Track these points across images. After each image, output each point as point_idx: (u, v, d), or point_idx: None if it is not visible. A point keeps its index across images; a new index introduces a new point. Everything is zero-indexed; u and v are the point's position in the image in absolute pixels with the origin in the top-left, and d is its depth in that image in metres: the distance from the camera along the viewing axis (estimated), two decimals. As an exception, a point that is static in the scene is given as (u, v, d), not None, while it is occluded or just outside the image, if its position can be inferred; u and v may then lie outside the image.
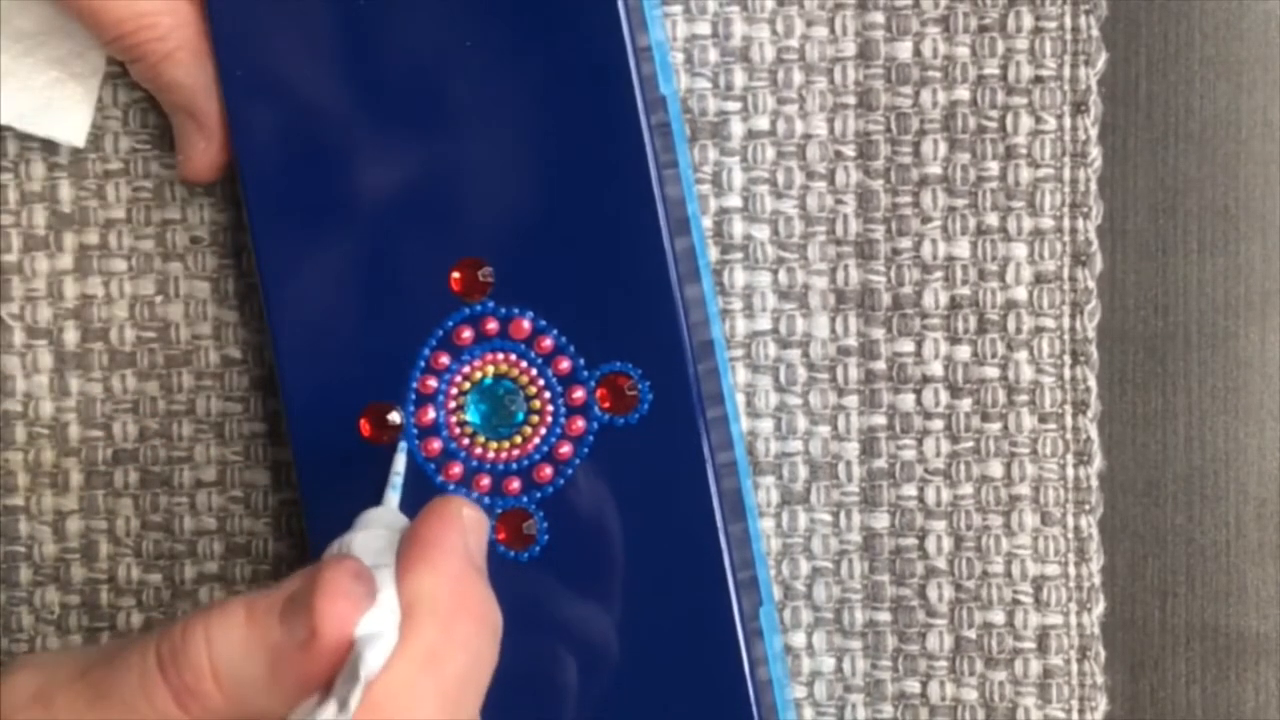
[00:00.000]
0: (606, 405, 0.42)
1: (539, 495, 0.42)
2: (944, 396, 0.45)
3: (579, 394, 0.42)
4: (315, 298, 0.42)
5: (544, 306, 0.42)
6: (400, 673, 0.34)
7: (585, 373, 0.42)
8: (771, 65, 0.45)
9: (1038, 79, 0.44)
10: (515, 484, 0.42)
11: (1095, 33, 0.44)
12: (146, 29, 0.42)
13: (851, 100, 0.45)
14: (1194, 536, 0.46)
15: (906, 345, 0.45)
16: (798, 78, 0.45)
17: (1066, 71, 0.44)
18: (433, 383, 0.42)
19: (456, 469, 0.42)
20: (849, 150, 0.45)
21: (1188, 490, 0.46)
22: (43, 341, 0.45)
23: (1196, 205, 0.45)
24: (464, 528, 0.37)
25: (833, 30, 0.45)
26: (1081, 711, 0.45)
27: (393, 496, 0.40)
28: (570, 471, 0.42)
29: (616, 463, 0.42)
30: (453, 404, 0.42)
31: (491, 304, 0.42)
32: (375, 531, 0.38)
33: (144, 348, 0.45)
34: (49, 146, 0.45)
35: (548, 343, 0.42)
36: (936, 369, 0.45)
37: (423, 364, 0.42)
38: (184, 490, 0.45)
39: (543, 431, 0.42)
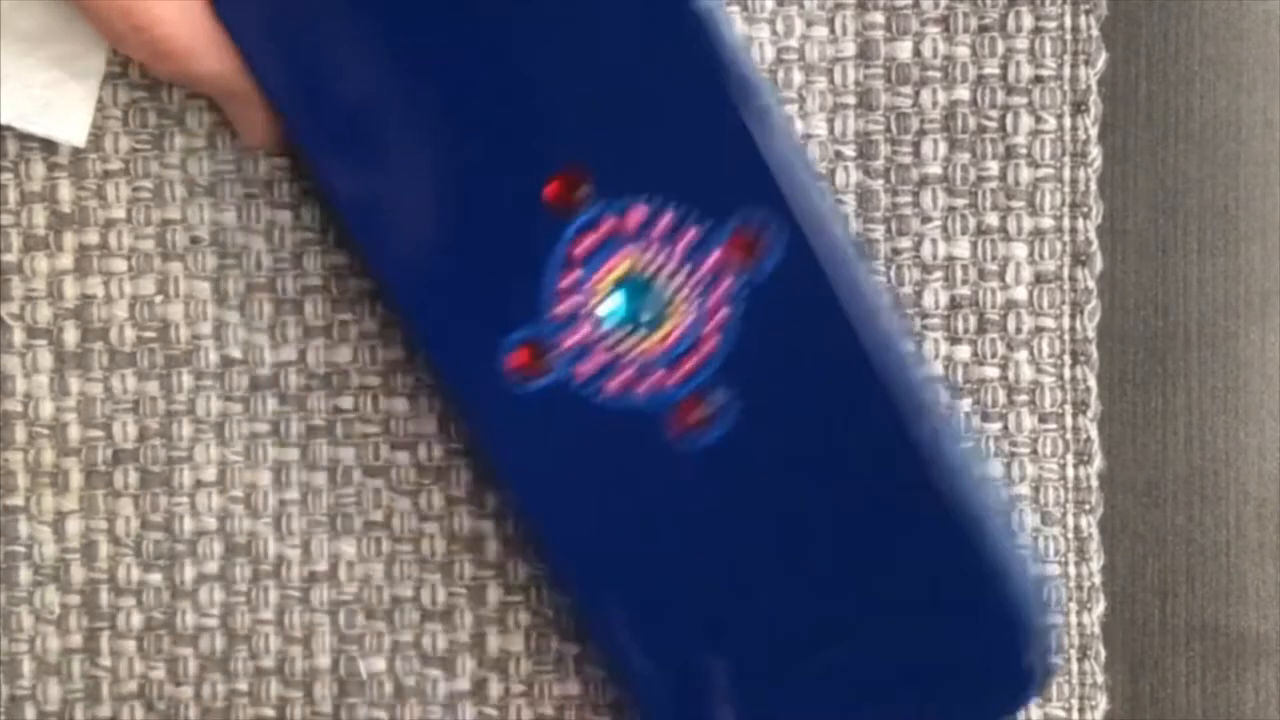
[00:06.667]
0: (740, 258, 0.41)
1: (710, 371, 0.42)
2: (944, 397, 0.44)
3: (712, 258, 0.41)
4: (424, 248, 0.42)
5: (649, 190, 0.41)
6: None
7: (712, 235, 0.41)
8: (771, 65, 0.45)
9: (1038, 79, 0.44)
10: (686, 366, 0.42)
11: (1095, 32, 0.44)
12: (158, 26, 0.42)
13: (851, 100, 0.45)
14: (1194, 536, 0.46)
15: (907, 345, 0.45)
16: (798, 78, 0.45)
17: (1066, 71, 0.44)
18: (565, 306, 0.41)
19: (626, 373, 0.42)
20: (849, 150, 0.45)
21: (1188, 490, 0.46)
22: (42, 341, 0.45)
23: (1196, 205, 0.45)
24: None
25: (832, 30, 0.45)
26: (1081, 710, 0.45)
27: None
28: (731, 337, 0.41)
29: (771, 319, 0.41)
30: (593, 317, 0.42)
31: (596, 208, 0.41)
32: None
33: (144, 348, 0.45)
34: (49, 146, 0.45)
35: (665, 221, 0.41)
36: (936, 369, 0.45)
37: (552, 290, 0.42)
38: (184, 490, 0.45)
39: (692, 310, 0.41)
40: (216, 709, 0.45)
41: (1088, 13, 0.44)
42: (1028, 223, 0.44)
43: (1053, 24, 0.44)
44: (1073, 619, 0.45)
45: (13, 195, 0.45)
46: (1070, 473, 0.45)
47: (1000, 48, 0.44)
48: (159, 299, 0.45)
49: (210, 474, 0.45)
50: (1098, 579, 0.45)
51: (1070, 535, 0.45)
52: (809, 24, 0.45)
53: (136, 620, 0.45)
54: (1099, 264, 0.45)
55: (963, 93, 0.44)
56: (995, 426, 0.45)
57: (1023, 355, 0.44)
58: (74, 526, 0.45)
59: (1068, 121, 0.44)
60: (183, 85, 0.43)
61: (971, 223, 0.44)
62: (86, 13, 0.42)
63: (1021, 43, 0.44)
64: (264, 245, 0.45)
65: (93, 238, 0.45)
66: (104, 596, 0.45)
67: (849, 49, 0.45)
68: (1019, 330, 0.44)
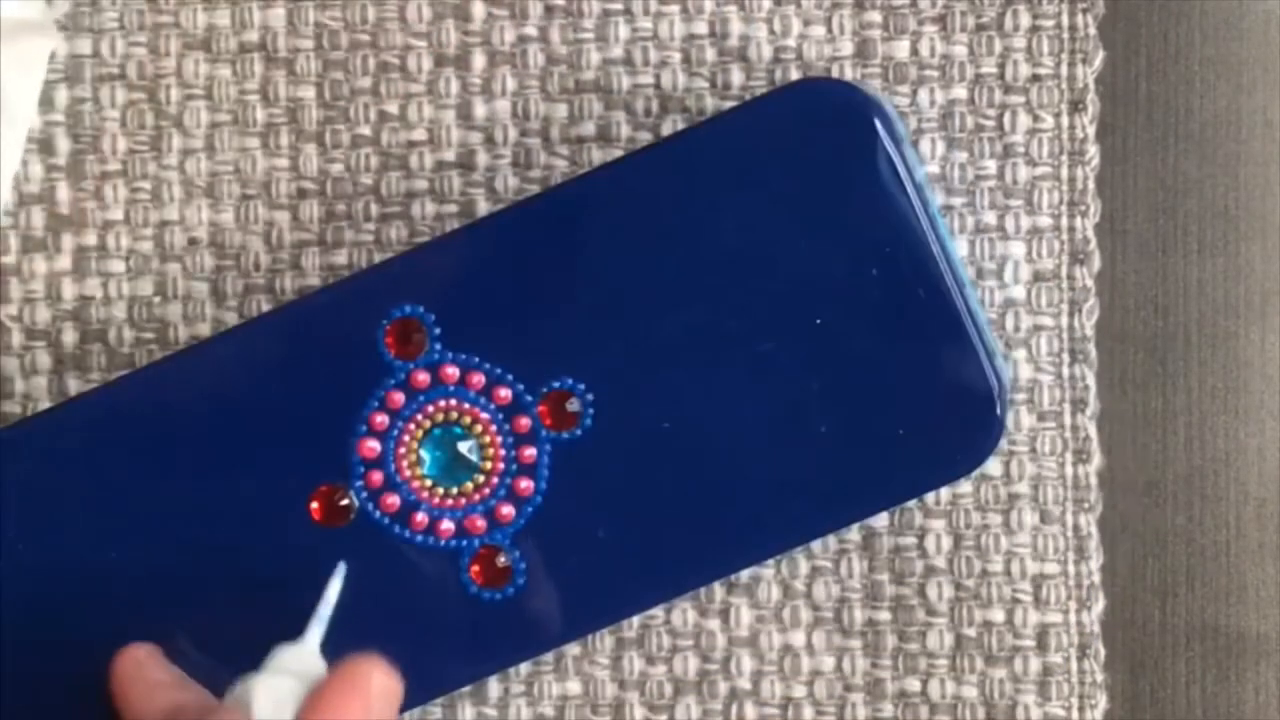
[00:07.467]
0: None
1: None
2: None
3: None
4: None
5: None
6: None
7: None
8: (769, 65, 0.45)
9: (1035, 77, 0.44)
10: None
11: (1092, 31, 0.44)
12: None
13: (849, 100, 0.45)
14: (1194, 536, 0.46)
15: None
16: (795, 77, 0.44)
17: (1064, 70, 0.44)
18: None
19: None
20: (847, 150, 0.45)
21: (1188, 490, 0.45)
22: (41, 343, 0.45)
23: (1196, 205, 0.45)
24: (370, 698, 0.36)
25: (830, 29, 0.45)
26: (1081, 709, 0.45)
27: (316, 632, 0.39)
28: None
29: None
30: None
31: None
32: (281, 680, 0.37)
33: (142, 349, 0.45)
34: (47, 147, 0.45)
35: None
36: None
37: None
38: (183, 491, 0.45)
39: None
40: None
41: (1085, 11, 0.44)
42: (1026, 221, 0.44)
43: (1050, 23, 0.44)
44: (1072, 617, 0.44)
45: (11, 197, 0.45)
46: (1069, 471, 0.44)
47: (998, 46, 0.44)
48: (157, 300, 0.45)
49: (209, 475, 0.45)
50: (1097, 577, 0.45)
51: (1069, 533, 0.44)
52: (806, 23, 0.45)
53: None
54: (1097, 262, 0.45)
55: (960, 91, 0.44)
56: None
57: (1021, 354, 0.44)
58: (73, 528, 0.45)
59: (1065, 120, 0.44)
60: None
61: (969, 221, 0.44)
62: None
63: (1019, 41, 0.44)
64: (262, 246, 0.45)
65: (91, 239, 0.45)
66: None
67: (846, 48, 0.45)
68: (1017, 329, 0.44)
